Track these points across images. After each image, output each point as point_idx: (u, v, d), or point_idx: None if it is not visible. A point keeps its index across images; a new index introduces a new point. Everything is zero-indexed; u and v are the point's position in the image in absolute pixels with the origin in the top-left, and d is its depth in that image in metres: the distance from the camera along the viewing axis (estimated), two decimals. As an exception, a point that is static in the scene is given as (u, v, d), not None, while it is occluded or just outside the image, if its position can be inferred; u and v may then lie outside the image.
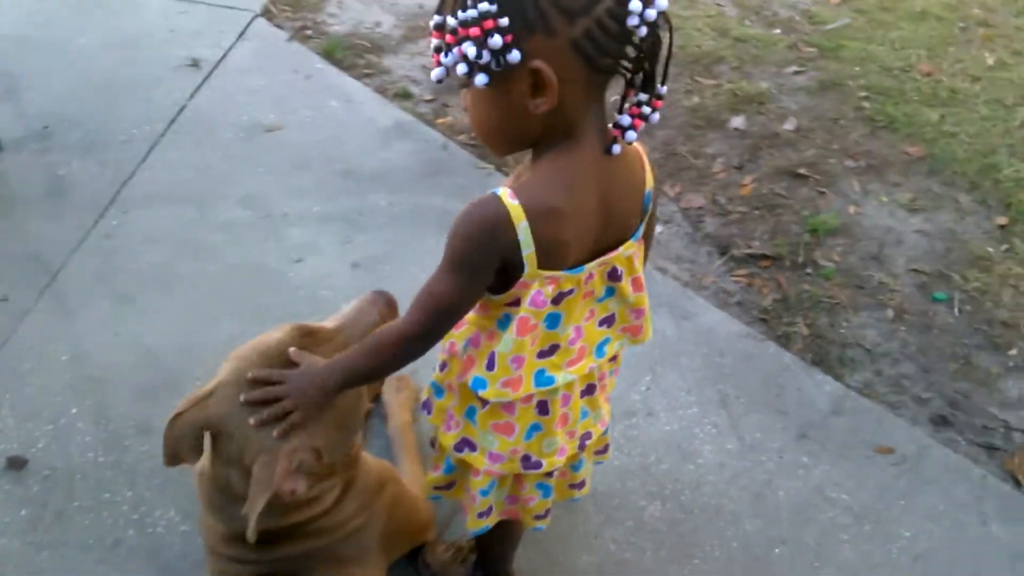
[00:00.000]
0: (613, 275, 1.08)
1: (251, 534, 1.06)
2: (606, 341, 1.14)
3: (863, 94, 2.97)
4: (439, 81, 0.96)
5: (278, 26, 3.01)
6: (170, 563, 1.50)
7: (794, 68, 3.09)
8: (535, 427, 1.15)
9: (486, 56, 0.88)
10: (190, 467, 1.23)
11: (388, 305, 1.31)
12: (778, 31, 3.31)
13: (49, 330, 1.88)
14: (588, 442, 1.25)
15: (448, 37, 0.90)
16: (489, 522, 1.29)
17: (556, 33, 0.88)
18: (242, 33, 2.92)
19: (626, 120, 0.96)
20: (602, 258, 1.05)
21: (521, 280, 0.99)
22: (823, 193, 2.54)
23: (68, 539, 1.52)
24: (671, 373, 1.95)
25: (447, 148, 2.54)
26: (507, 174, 2.48)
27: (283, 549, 1.23)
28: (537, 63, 0.89)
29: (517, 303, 1.02)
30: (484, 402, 1.12)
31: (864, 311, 2.18)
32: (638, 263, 1.10)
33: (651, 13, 0.88)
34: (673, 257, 2.30)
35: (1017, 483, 1.79)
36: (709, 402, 1.89)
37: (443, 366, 1.19)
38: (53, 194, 2.23)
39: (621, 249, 1.06)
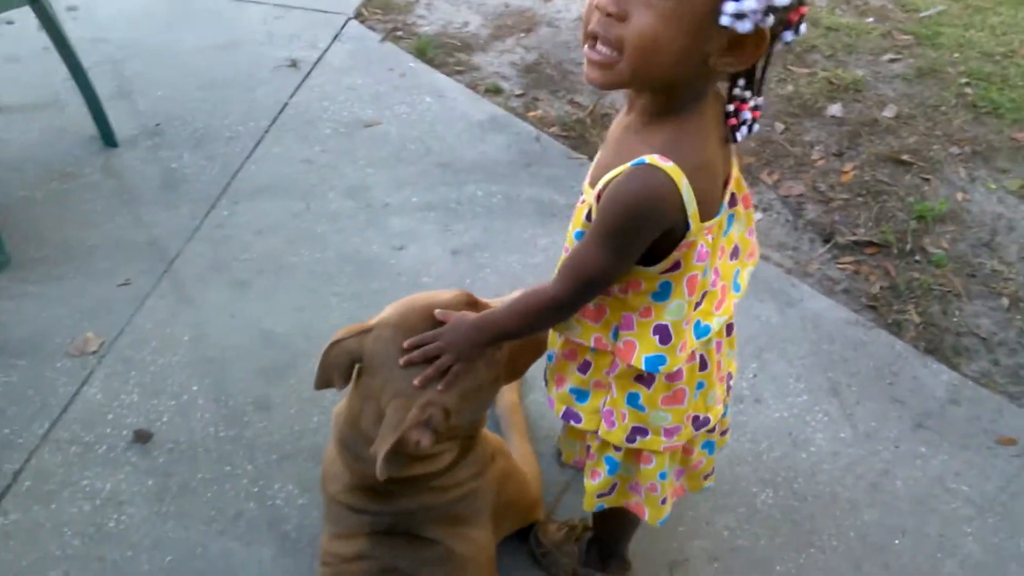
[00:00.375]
0: (731, 201, 1.07)
1: (380, 471, 1.10)
2: (737, 273, 1.14)
3: (964, 80, 2.87)
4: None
5: (370, 28, 3.08)
6: (288, 535, 1.54)
7: (890, 56, 3.01)
8: (700, 385, 1.15)
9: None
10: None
11: None
12: (871, 20, 3.23)
13: (169, 313, 1.95)
14: (731, 382, 1.25)
15: None
16: (668, 509, 1.27)
17: None
18: (337, 35, 3.00)
19: (747, 115, 0.98)
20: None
21: (684, 240, 0.98)
22: (927, 180, 2.46)
23: (192, 510, 1.57)
24: (778, 360, 1.91)
25: (539, 140, 2.56)
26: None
27: (400, 502, 1.25)
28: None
29: (675, 267, 1.01)
30: (648, 381, 1.11)
31: (978, 299, 2.10)
32: (740, 175, 1.10)
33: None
34: (775, 244, 2.26)
35: None
36: (819, 390, 1.85)
37: (585, 366, 1.17)
38: (167, 186, 2.32)
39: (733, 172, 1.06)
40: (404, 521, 1.28)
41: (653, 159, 0.93)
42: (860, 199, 2.40)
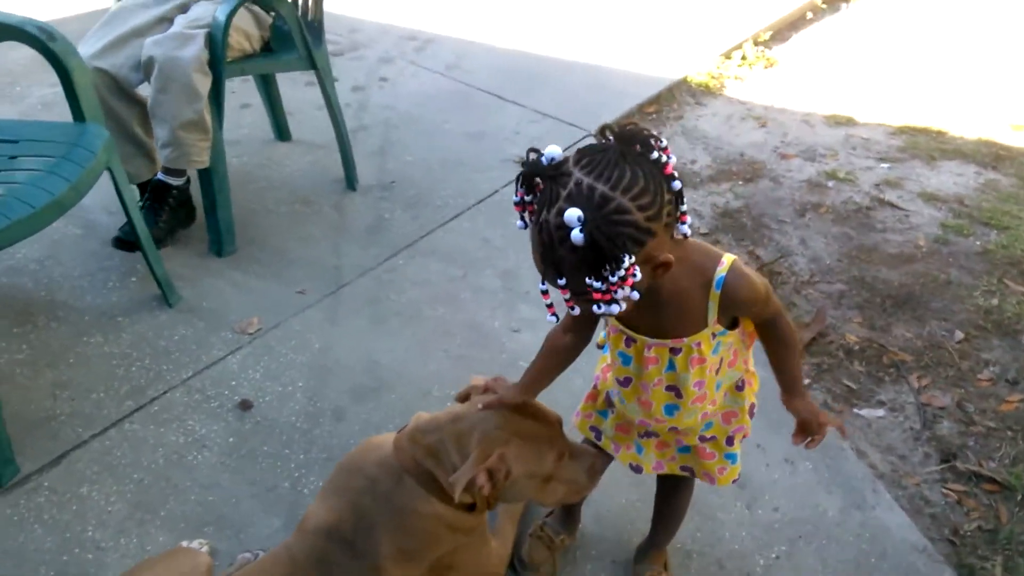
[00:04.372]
0: None
1: (457, 495, 1.38)
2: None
3: None
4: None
5: (605, 146, 3.41)
6: (298, 516, 1.82)
7: None
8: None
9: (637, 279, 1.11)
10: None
11: (596, 476, 1.58)
12: None
13: (316, 324, 2.39)
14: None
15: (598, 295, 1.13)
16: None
17: (657, 231, 1.11)
18: (569, 147, 3.36)
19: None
20: None
21: None
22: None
23: (245, 470, 1.93)
24: (811, 554, 1.82)
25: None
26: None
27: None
28: (663, 257, 1.13)
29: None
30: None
31: (1099, 584, 1.80)
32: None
33: (677, 184, 1.13)
34: (883, 447, 2.13)
35: None
36: (839, 596, 1.73)
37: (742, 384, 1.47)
38: (371, 230, 2.82)
39: None
40: (370, 515, 1.49)
41: (722, 267, 1.24)
42: (1010, 433, 2.17)
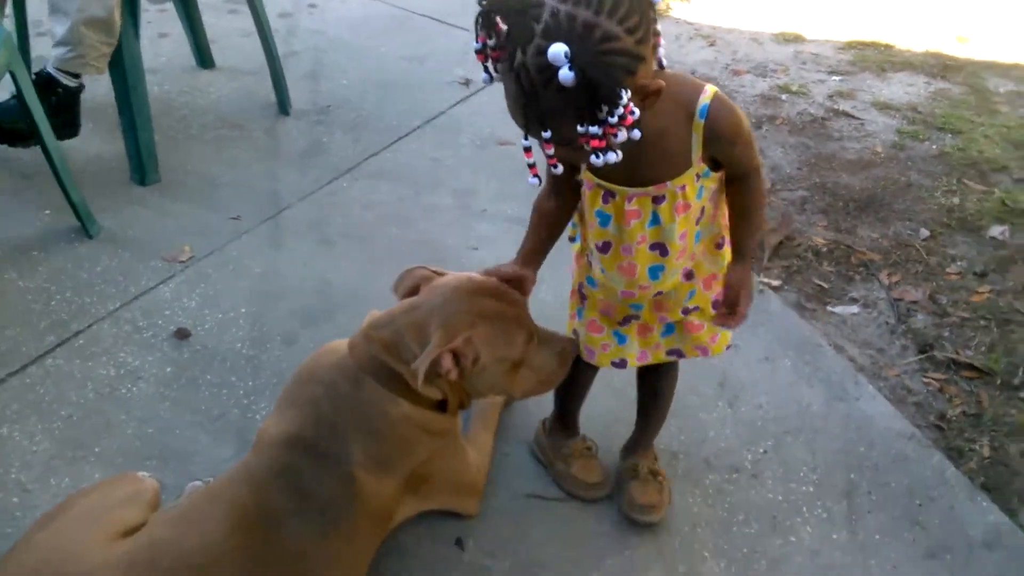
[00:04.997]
0: None
1: (421, 382, 1.27)
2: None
3: None
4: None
5: (551, 66, 3.26)
6: (251, 443, 1.65)
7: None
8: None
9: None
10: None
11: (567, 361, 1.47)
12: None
13: (256, 249, 2.19)
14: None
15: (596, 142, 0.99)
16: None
17: (647, 56, 1.01)
18: (517, 66, 3.20)
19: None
20: None
21: None
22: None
23: (187, 400, 1.75)
24: (798, 446, 1.74)
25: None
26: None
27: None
28: (656, 84, 1.03)
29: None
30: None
31: (1082, 458, 1.77)
32: None
33: None
34: (860, 341, 2.06)
35: None
36: (831, 487, 1.66)
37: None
38: (309, 154, 2.62)
39: None
40: (334, 422, 1.34)
41: (705, 96, 1.12)
42: (983, 322, 2.13)
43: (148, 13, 3.35)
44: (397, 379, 1.34)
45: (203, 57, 3.04)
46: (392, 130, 2.77)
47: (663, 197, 1.20)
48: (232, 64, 3.09)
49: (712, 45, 3.63)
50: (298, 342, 1.92)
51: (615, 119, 0.96)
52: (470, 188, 2.51)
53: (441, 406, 1.40)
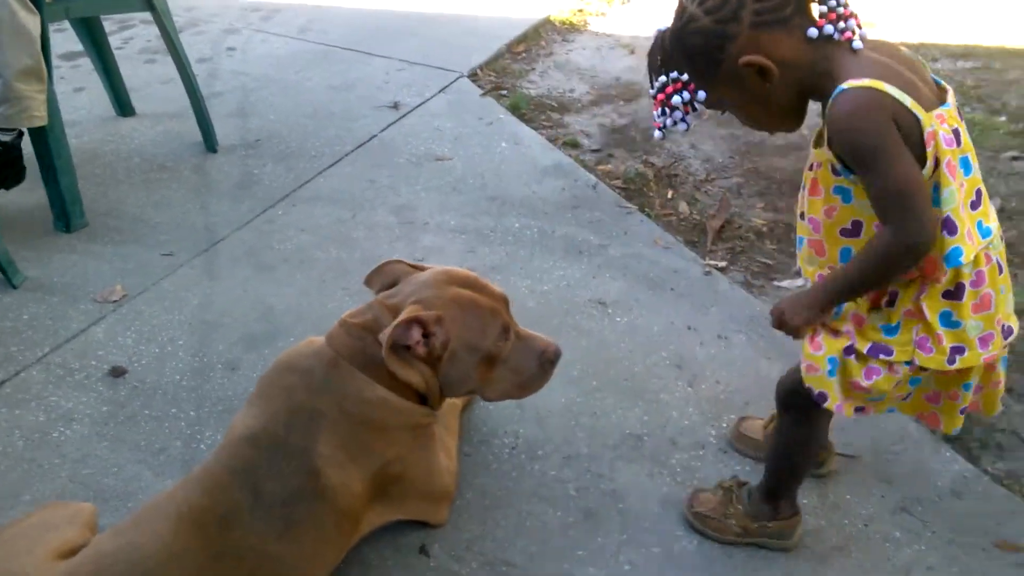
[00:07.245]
0: (958, 139, 1.09)
1: (386, 349, 1.27)
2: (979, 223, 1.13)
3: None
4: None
5: (479, 86, 3.27)
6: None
7: (1013, 153, 2.73)
8: (1001, 289, 1.14)
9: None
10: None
11: (548, 365, 1.44)
12: (1003, 118, 2.96)
13: (191, 282, 2.12)
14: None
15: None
16: (962, 422, 1.25)
17: (738, 33, 1.07)
18: (444, 88, 3.21)
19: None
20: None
21: (925, 132, 1.04)
22: (1015, 276, 2.16)
23: (127, 437, 1.66)
24: (761, 416, 1.72)
25: (596, 188, 2.55)
26: (649, 214, 2.43)
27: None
28: (745, 59, 1.08)
29: (936, 164, 1.05)
30: (958, 295, 1.11)
31: (1037, 400, 1.78)
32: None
33: None
34: (810, 312, 2.06)
35: None
36: (799, 451, 1.63)
37: (892, 298, 1.17)
38: (242, 186, 2.56)
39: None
40: (307, 409, 1.29)
41: (848, 84, 1.04)
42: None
43: (60, 69, 3.28)
44: (376, 364, 1.32)
45: (123, 106, 2.98)
46: (325, 156, 2.74)
47: (813, 164, 1.18)
48: (153, 110, 3.03)
49: (633, 53, 3.69)
50: (241, 368, 1.84)
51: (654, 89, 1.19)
52: (410, 204, 2.48)
53: (421, 402, 1.38)
